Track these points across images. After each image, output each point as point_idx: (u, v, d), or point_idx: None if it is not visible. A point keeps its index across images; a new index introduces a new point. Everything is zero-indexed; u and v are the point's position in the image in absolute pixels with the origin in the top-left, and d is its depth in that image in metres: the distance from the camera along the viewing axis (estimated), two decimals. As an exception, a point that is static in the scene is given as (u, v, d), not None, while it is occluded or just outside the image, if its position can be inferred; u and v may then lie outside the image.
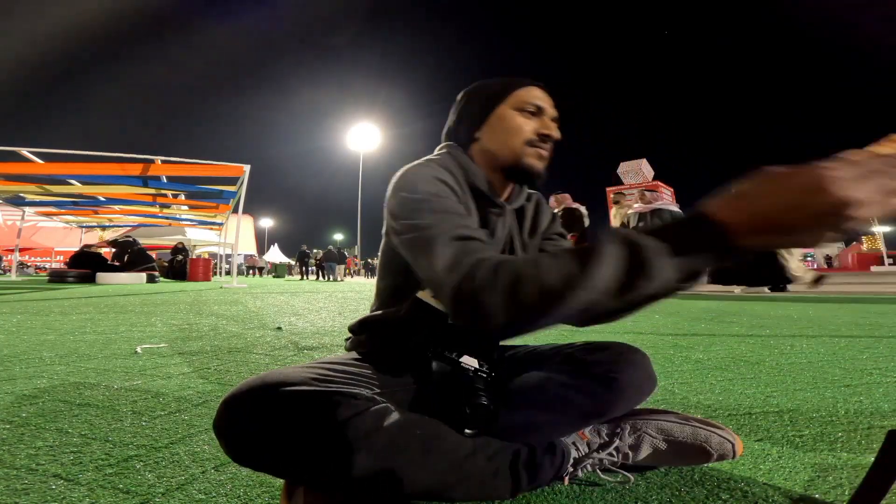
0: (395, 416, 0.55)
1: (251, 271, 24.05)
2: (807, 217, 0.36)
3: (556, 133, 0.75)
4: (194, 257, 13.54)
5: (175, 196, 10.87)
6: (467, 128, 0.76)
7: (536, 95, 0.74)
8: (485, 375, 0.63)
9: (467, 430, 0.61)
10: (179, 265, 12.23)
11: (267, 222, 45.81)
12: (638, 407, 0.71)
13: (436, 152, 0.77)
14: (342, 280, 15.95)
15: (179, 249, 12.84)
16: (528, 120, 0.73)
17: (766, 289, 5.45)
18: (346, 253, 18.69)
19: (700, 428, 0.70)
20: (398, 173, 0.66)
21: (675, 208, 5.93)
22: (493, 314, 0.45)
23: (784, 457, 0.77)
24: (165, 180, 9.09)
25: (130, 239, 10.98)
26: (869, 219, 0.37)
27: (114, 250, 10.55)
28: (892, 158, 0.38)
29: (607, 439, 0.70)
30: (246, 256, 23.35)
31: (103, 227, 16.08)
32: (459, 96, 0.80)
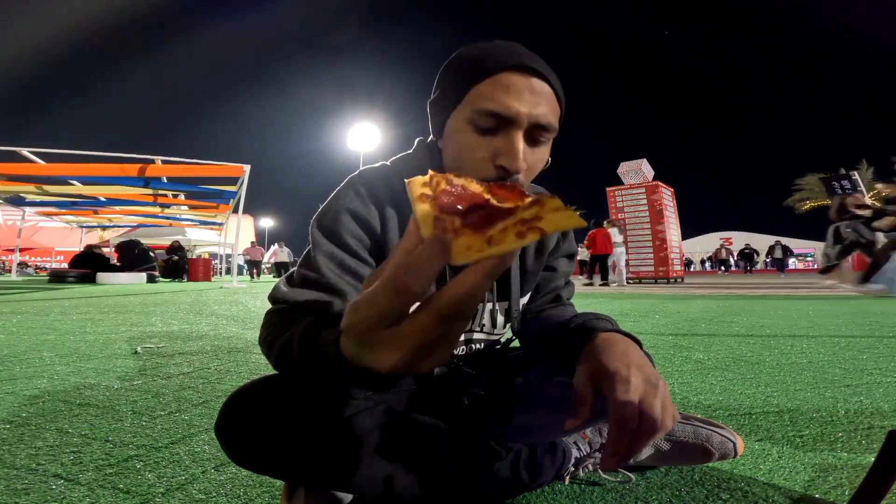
0: (394, 415, 0.55)
1: (254, 270, 15.23)
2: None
3: (516, 163, 0.49)
4: (194, 257, 13.47)
5: (175, 196, 10.88)
6: (434, 131, 0.62)
7: (505, 91, 0.49)
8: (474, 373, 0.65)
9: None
10: (174, 264, 12.25)
11: (267, 222, 45.74)
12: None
13: (415, 145, 0.67)
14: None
15: (175, 249, 12.84)
16: (482, 139, 0.51)
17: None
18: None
19: (701, 427, 0.70)
20: (346, 180, 0.62)
21: None
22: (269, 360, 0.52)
23: (784, 457, 0.77)
24: (166, 181, 9.09)
25: (135, 240, 11.09)
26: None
27: (119, 252, 10.65)
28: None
29: (608, 439, 0.70)
30: (246, 251, 15.80)
31: (104, 228, 16.04)
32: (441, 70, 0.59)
